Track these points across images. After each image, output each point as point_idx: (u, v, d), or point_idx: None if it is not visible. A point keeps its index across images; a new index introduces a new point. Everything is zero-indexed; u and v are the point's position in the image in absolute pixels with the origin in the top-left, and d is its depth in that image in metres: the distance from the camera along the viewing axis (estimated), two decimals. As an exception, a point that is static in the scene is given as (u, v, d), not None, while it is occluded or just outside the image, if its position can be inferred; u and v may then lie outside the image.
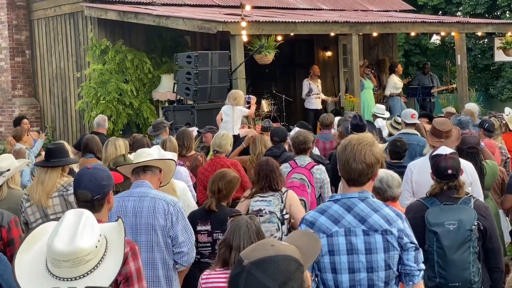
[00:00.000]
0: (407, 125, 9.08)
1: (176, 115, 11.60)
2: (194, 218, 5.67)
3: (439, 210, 4.71)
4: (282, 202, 5.95)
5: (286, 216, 5.96)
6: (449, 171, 4.81)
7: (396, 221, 3.49)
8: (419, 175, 5.94)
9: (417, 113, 9.66)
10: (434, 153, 5.00)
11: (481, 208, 4.82)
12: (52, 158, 5.74)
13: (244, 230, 4.14)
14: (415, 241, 3.55)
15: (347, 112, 11.70)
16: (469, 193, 4.92)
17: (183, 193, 6.26)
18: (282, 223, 5.91)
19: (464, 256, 4.61)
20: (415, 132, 8.90)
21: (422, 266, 3.58)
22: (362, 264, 3.45)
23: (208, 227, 5.65)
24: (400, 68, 17.77)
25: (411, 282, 3.53)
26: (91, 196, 3.74)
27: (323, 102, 16.64)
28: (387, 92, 17.11)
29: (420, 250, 3.58)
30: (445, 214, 4.68)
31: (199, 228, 5.61)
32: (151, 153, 5.14)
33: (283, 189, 6.07)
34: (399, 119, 9.69)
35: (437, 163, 4.87)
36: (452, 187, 4.81)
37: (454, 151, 5.23)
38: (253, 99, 11.46)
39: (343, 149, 3.52)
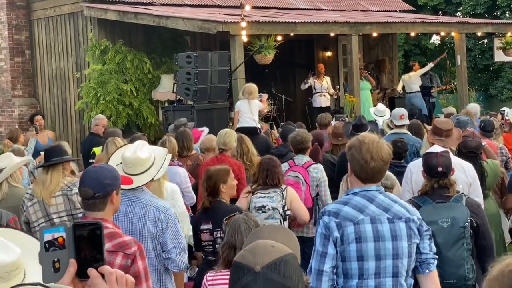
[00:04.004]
0: (397, 125, 9.09)
1: (176, 115, 11.56)
2: (198, 218, 5.78)
3: (432, 208, 4.76)
4: (283, 198, 6.04)
5: (288, 212, 6.06)
6: (440, 169, 4.83)
7: (414, 211, 3.70)
8: (418, 175, 5.95)
9: (407, 113, 9.56)
10: (426, 151, 5.04)
11: (473, 206, 4.87)
12: (51, 158, 5.76)
13: (245, 227, 4.13)
14: (430, 230, 3.71)
15: (338, 116, 11.69)
16: (460, 191, 4.95)
17: (171, 196, 6.01)
18: (284, 219, 6.02)
19: (459, 253, 4.67)
20: (406, 131, 8.89)
21: (435, 255, 3.72)
22: (388, 250, 3.56)
23: (209, 226, 5.66)
24: (417, 66, 17.77)
25: (427, 270, 3.66)
26: (93, 193, 3.73)
27: (335, 99, 16.57)
28: (414, 89, 16.99)
29: (432, 239, 3.72)
30: (438, 212, 4.72)
31: (202, 227, 5.65)
32: (135, 164, 4.74)
33: (283, 186, 6.18)
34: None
35: (428, 160, 4.91)
36: (442, 185, 4.85)
37: (446, 149, 5.24)
38: (265, 96, 11.48)
39: (359, 150, 3.59)
